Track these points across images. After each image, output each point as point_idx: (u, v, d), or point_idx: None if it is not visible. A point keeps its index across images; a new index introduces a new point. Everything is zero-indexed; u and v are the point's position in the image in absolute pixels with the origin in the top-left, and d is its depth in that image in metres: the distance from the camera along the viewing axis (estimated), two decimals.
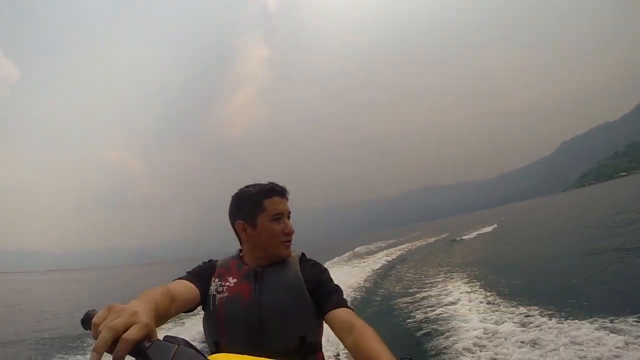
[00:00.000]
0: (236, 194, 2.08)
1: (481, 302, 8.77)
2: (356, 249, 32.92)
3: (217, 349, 1.90)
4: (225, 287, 1.93)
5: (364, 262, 22.48)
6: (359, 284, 14.92)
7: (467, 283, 11.36)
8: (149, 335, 1.33)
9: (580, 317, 6.63)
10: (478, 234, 31.62)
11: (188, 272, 1.97)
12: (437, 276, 13.81)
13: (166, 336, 1.34)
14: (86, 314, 1.33)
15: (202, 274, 1.96)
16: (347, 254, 30.06)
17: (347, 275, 17.11)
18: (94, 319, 1.32)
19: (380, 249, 30.70)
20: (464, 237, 30.06)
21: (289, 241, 2.04)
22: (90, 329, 1.32)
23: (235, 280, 1.95)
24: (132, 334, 1.32)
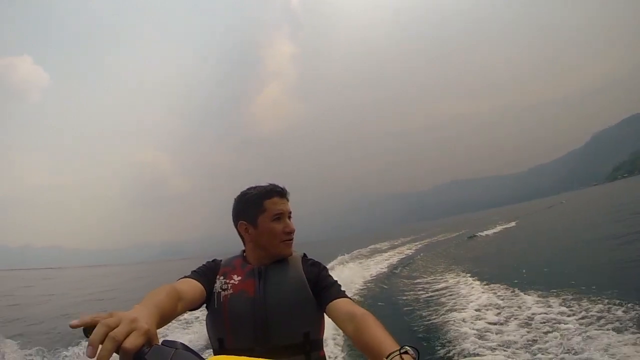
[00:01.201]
0: (238, 196, 2.17)
1: (489, 299, 8.69)
2: (377, 245, 32.82)
3: (220, 345, 1.96)
4: (230, 285, 1.99)
5: (380, 257, 22.95)
6: (372, 277, 15.28)
7: (476, 280, 11.29)
8: (150, 341, 1.36)
9: (602, 325, 6.06)
10: (495, 231, 31.07)
11: (193, 271, 2.03)
12: (448, 272, 13.80)
13: (164, 340, 1.36)
14: None
15: (206, 273, 2.03)
16: (368, 248, 30.55)
17: (360, 269, 17.42)
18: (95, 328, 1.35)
19: (398, 245, 30.80)
20: (482, 234, 29.64)
21: (290, 240, 2.10)
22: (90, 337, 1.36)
23: (239, 278, 2.02)
24: (131, 342, 1.35)
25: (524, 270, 11.54)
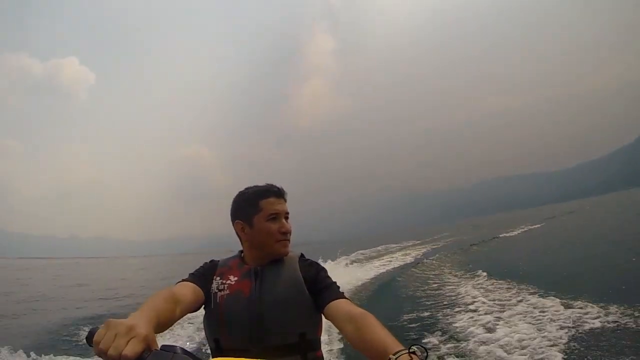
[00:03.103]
0: (236, 195, 2.22)
1: (496, 301, 8.68)
2: (387, 245, 32.83)
3: (217, 346, 2.01)
4: (226, 285, 2.03)
5: (391, 257, 23.08)
6: (373, 278, 15.67)
7: (488, 281, 11.34)
8: (149, 346, 1.37)
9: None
10: (519, 232, 30.08)
11: (191, 274, 2.08)
12: (459, 272, 13.85)
13: (163, 345, 1.38)
14: (90, 331, 1.38)
15: (204, 274, 2.08)
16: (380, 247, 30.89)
17: (362, 270, 18.07)
18: (95, 337, 1.37)
19: (412, 245, 30.83)
20: (505, 235, 29.02)
21: (286, 240, 2.14)
22: (93, 346, 1.38)
23: (236, 278, 2.05)
24: (130, 349, 1.36)
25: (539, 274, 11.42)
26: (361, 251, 27.79)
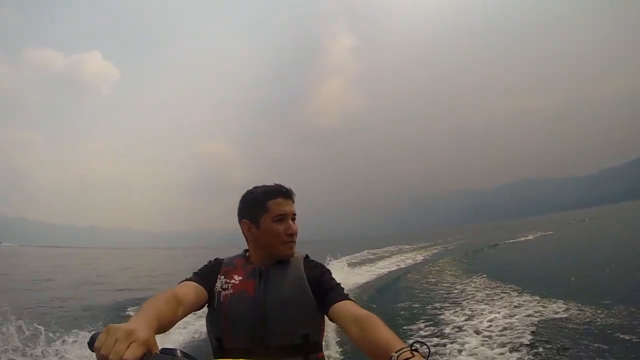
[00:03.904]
0: (243, 194, 2.17)
1: (498, 307, 8.76)
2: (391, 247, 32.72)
3: (219, 345, 1.98)
4: (230, 285, 2.00)
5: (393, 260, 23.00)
6: (380, 279, 15.90)
7: (489, 285, 11.59)
8: (149, 350, 1.38)
9: None
10: (528, 239, 30.02)
11: (194, 273, 2.06)
12: (465, 276, 14.02)
13: (163, 348, 1.39)
14: (91, 337, 1.39)
15: (207, 273, 2.06)
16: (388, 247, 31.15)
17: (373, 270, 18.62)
18: (96, 343, 1.38)
19: (417, 248, 30.62)
20: (515, 240, 29.20)
21: (292, 242, 2.09)
22: (95, 352, 1.38)
23: (240, 278, 2.02)
24: (130, 354, 1.38)
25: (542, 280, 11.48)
26: (371, 251, 28.48)
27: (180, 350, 1.39)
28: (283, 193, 2.10)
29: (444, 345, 6.75)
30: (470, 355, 6.22)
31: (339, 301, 1.89)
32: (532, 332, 6.91)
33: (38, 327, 7.18)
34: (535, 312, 8.18)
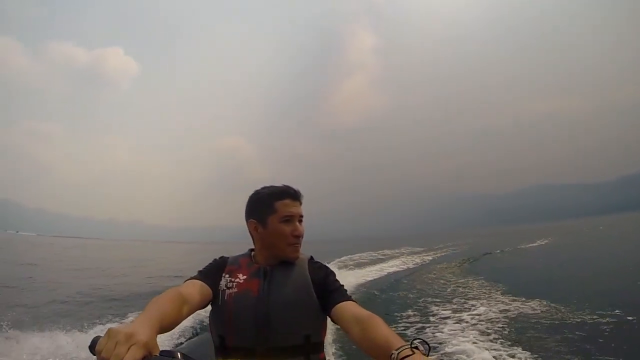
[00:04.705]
0: (252, 194, 2.19)
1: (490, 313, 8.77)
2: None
3: (221, 343, 2.01)
4: (234, 283, 2.02)
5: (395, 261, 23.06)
6: (382, 280, 15.84)
7: (489, 289, 11.74)
8: (149, 352, 1.39)
9: None
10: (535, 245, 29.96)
11: (199, 271, 2.08)
12: (463, 279, 14.28)
13: (162, 351, 1.40)
14: (92, 340, 1.41)
15: (212, 271, 2.08)
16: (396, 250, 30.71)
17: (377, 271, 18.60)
18: (97, 347, 1.39)
19: (419, 252, 29.88)
20: (519, 247, 29.14)
21: (298, 244, 2.10)
22: (96, 355, 1.40)
23: (245, 277, 2.04)
24: (130, 356, 1.39)
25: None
26: (379, 252, 28.53)
27: (181, 353, 1.40)
28: (291, 194, 2.12)
29: (444, 342, 6.93)
30: (470, 353, 6.32)
31: (341, 302, 1.92)
32: (532, 332, 7.25)
33: None
34: (535, 313, 8.56)
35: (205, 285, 1.95)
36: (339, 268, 18.54)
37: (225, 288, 2.01)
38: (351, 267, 20.14)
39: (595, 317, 8.01)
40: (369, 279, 16.41)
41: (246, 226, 2.18)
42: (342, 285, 2.06)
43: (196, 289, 1.89)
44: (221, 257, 2.19)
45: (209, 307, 2.05)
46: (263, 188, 2.17)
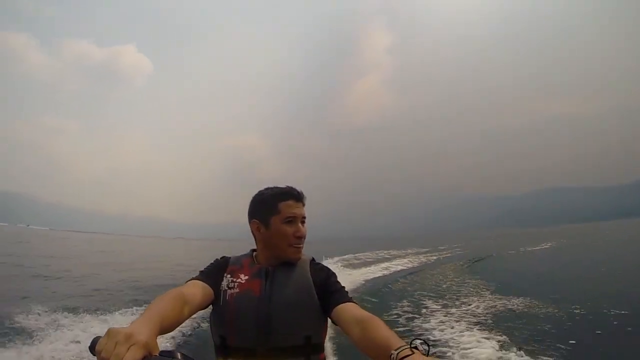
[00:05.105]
0: (255, 194, 2.19)
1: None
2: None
3: (222, 342, 2.00)
4: (236, 283, 2.03)
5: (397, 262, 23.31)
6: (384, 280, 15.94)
7: (488, 292, 11.83)
8: (149, 352, 1.40)
9: None
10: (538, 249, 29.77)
11: (201, 271, 2.09)
12: (464, 280, 14.50)
13: (162, 351, 1.39)
14: (92, 341, 1.41)
15: (214, 272, 2.08)
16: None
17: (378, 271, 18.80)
18: (97, 347, 1.40)
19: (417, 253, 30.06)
20: (528, 249, 29.04)
21: (300, 245, 2.11)
22: (96, 355, 1.40)
23: (246, 277, 2.04)
24: (130, 356, 1.40)
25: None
26: (378, 252, 29.13)
27: (181, 353, 1.40)
28: (294, 196, 2.12)
29: (443, 342, 7.00)
30: (470, 354, 6.39)
31: (341, 303, 1.92)
32: (531, 333, 7.41)
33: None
34: (534, 315, 8.72)
35: (207, 286, 1.96)
36: (343, 267, 18.94)
37: (226, 288, 2.03)
38: (354, 266, 20.37)
39: (595, 318, 8.35)
40: (370, 277, 16.79)
41: (249, 226, 2.21)
42: (343, 287, 2.08)
43: (198, 289, 1.90)
44: (223, 257, 2.20)
45: (210, 307, 2.06)
46: (266, 189, 2.19)
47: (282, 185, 2.17)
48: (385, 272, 18.85)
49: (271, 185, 2.20)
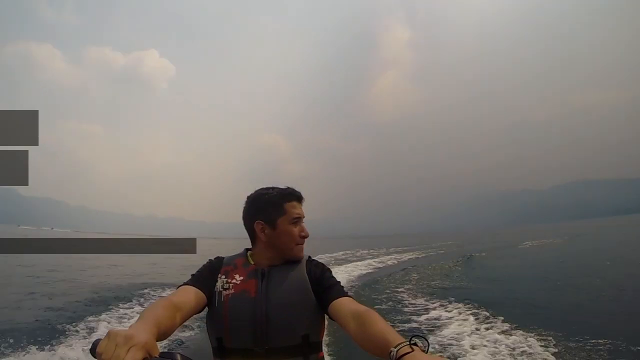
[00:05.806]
0: (254, 195, 2.20)
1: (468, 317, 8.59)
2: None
3: (219, 345, 1.99)
4: (231, 284, 2.01)
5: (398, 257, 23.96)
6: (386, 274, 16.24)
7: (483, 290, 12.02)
8: (149, 354, 1.38)
9: None
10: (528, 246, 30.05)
11: (193, 275, 2.07)
12: (465, 279, 14.46)
13: (162, 352, 1.39)
14: (93, 343, 1.41)
15: (205, 274, 2.07)
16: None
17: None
18: (97, 349, 1.38)
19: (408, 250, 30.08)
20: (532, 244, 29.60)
21: (303, 244, 2.14)
22: (97, 357, 1.38)
23: (241, 277, 2.03)
24: (130, 358, 1.36)
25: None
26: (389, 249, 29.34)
27: (180, 354, 1.41)
28: (297, 197, 2.16)
29: (443, 339, 7.05)
30: (468, 347, 6.48)
31: (337, 298, 1.93)
32: (530, 333, 7.30)
33: None
34: (532, 316, 8.69)
35: (199, 291, 1.96)
36: (336, 264, 19.31)
37: (221, 289, 2.01)
38: (349, 261, 20.97)
39: (596, 319, 8.45)
40: (365, 272, 17.37)
41: (243, 226, 2.21)
42: (339, 282, 2.07)
43: (189, 295, 1.90)
44: (217, 258, 2.19)
45: (205, 309, 2.05)
46: (268, 189, 2.19)
47: (281, 186, 2.22)
48: (378, 267, 19.68)
49: (258, 189, 2.25)
